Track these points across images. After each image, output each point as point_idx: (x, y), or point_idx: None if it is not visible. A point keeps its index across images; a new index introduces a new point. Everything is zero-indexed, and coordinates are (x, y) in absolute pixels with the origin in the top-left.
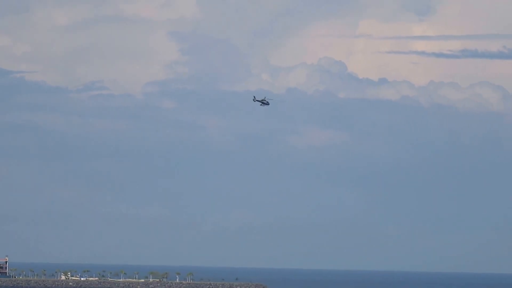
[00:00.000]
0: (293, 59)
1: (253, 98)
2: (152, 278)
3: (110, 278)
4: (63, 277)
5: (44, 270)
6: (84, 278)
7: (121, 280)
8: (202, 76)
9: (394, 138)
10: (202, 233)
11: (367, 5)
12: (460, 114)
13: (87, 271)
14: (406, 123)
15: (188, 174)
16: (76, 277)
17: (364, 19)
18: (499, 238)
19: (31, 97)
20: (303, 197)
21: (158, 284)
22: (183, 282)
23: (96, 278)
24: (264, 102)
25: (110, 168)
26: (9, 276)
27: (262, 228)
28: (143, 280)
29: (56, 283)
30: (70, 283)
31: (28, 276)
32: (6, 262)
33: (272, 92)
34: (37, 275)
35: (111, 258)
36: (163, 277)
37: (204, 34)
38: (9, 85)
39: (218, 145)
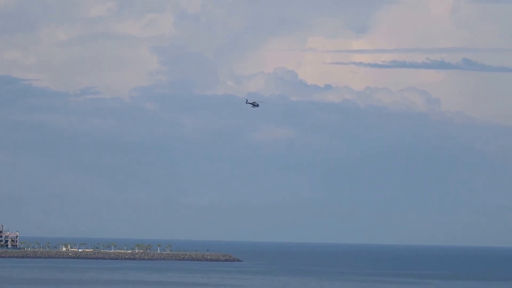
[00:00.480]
0: (253, 69)
1: (245, 101)
2: (138, 249)
3: (103, 249)
4: (64, 249)
5: (48, 243)
6: (82, 250)
7: (112, 251)
8: (178, 83)
9: (337, 133)
10: (179, 211)
11: (314, 25)
12: (391, 114)
13: (84, 243)
14: (347, 121)
15: (166, 163)
16: (74, 248)
17: (312, 36)
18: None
19: (38, 100)
20: (261, 181)
21: (143, 254)
22: (163, 252)
23: (91, 250)
24: (254, 104)
25: (103, 158)
26: (20, 248)
27: (229, 207)
28: (130, 251)
29: (58, 253)
30: (70, 253)
31: (35, 248)
32: (17, 236)
33: (235, 96)
34: (42, 247)
35: (104, 232)
36: (147, 249)
37: (180, 48)
38: (19, 90)
39: (192, 139)
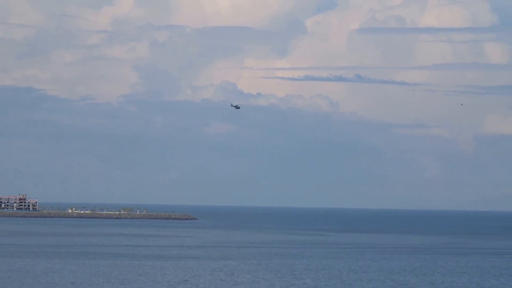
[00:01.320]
0: (205, 81)
1: (230, 104)
2: (123, 211)
3: (98, 211)
4: (70, 211)
5: (59, 207)
6: (83, 211)
7: (104, 212)
8: (152, 92)
9: (265, 128)
10: (154, 184)
11: (249, 50)
12: (305, 114)
13: (84, 207)
14: (274, 119)
15: (144, 149)
16: (78, 210)
17: (247, 58)
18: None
19: (50, 104)
20: (212, 162)
21: (127, 215)
22: (141, 213)
23: (90, 211)
24: (237, 107)
25: (98, 146)
26: (38, 211)
27: (190, 180)
28: (117, 212)
29: (66, 214)
30: (74, 214)
31: (49, 210)
32: (36, 202)
33: (192, 101)
34: (54, 210)
35: (99, 199)
36: (130, 211)
37: (152, 67)
38: (37, 97)
39: (162, 132)
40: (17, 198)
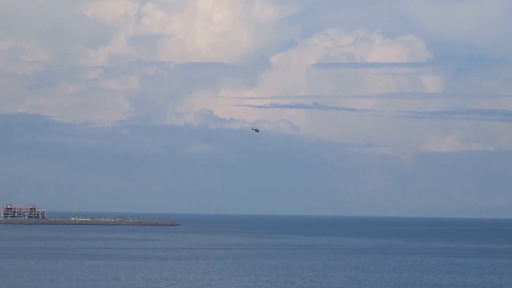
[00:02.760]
0: (187, 109)
1: (251, 128)
2: (118, 219)
3: (96, 218)
4: (73, 219)
5: (64, 215)
6: (84, 219)
7: (102, 219)
8: (141, 118)
9: (237, 147)
10: (143, 195)
11: (223, 82)
12: (270, 136)
13: (85, 215)
14: (245, 141)
15: (136, 166)
16: (80, 218)
17: (222, 89)
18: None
19: (56, 128)
20: (194, 176)
21: (121, 222)
22: (133, 220)
23: (90, 219)
24: (256, 130)
25: (97, 163)
26: (46, 219)
27: (175, 193)
28: (113, 219)
29: (69, 221)
30: (77, 221)
31: (56, 218)
32: (44, 211)
33: (176, 125)
34: (59, 217)
35: (97, 208)
36: (124, 218)
37: (142, 97)
38: (45, 123)
39: (150, 152)
40: (28, 208)
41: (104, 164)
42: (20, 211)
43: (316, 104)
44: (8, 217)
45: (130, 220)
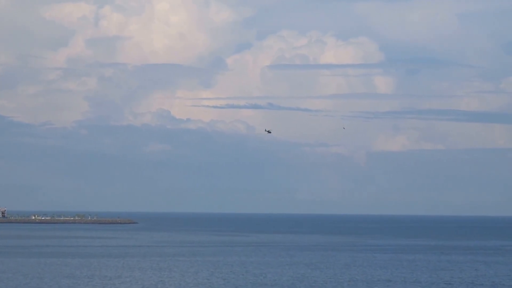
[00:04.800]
0: (144, 109)
1: (264, 129)
2: (77, 217)
3: (56, 217)
4: (33, 217)
5: (24, 214)
6: (44, 218)
7: (62, 218)
8: (100, 118)
9: (194, 147)
10: (102, 194)
11: (180, 83)
12: (226, 135)
13: (45, 214)
14: (201, 140)
15: (94, 165)
16: (40, 217)
17: (179, 90)
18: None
19: (16, 129)
20: (151, 176)
21: (80, 220)
22: (92, 219)
23: (50, 217)
24: (269, 132)
25: (54, 162)
26: (6, 217)
27: (133, 191)
28: (72, 218)
29: (30, 220)
30: (37, 220)
31: (16, 217)
32: (5, 210)
33: (134, 125)
34: (20, 216)
35: (57, 207)
36: (82, 217)
37: (101, 97)
38: (5, 123)
39: (109, 152)
40: None
41: (63, 163)
42: None
43: (271, 105)
44: None
45: (89, 218)
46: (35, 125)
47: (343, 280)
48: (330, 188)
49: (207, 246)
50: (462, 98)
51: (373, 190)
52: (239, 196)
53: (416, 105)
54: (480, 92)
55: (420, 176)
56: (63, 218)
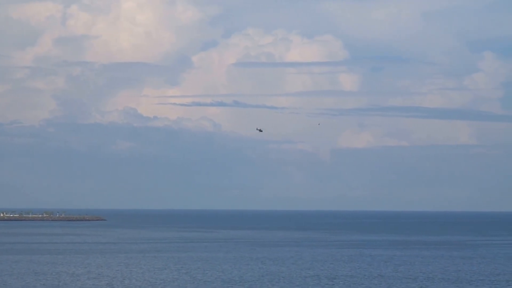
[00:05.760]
0: (111, 107)
1: (256, 128)
2: (45, 214)
3: (25, 214)
4: (1, 214)
5: None
6: (12, 215)
7: (30, 215)
8: (67, 116)
9: (162, 145)
10: (70, 191)
11: (147, 81)
12: (193, 133)
13: (14, 211)
14: (168, 138)
15: (62, 164)
16: (8, 214)
17: (146, 88)
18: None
19: None
20: (118, 173)
21: (48, 217)
22: (60, 216)
23: (18, 215)
24: (260, 130)
25: (24, 161)
26: None
27: (101, 189)
28: (41, 215)
29: None
30: (5, 217)
31: None
32: None
33: (101, 123)
34: None
35: (25, 204)
36: (51, 214)
37: (68, 96)
38: None
39: (76, 150)
40: None
41: (32, 161)
42: None
43: (237, 102)
44: None
45: (57, 215)
46: (3, 123)
47: (308, 275)
48: (295, 185)
49: (174, 243)
50: (425, 95)
51: (337, 186)
52: (205, 193)
53: (380, 102)
54: (443, 89)
55: (384, 172)
56: (31, 215)
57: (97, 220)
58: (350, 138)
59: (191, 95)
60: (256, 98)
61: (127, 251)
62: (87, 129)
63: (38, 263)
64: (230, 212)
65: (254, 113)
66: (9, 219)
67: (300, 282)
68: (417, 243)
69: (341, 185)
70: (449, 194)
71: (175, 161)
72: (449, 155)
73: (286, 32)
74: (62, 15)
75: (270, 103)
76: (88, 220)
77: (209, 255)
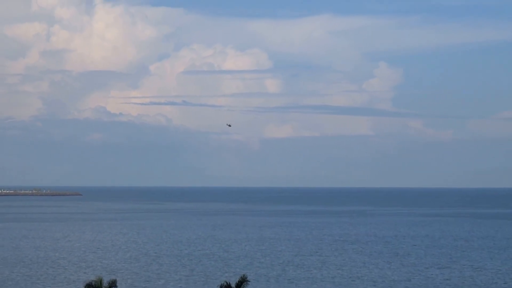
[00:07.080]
0: (86, 106)
1: (226, 124)
2: (35, 191)
3: (17, 191)
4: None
5: None
6: (7, 191)
7: (22, 192)
8: (51, 114)
9: (126, 136)
10: (53, 173)
11: (113, 85)
12: (150, 127)
13: (9, 188)
14: (131, 131)
15: (48, 151)
16: (4, 191)
17: (112, 90)
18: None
19: None
20: (91, 158)
21: (37, 193)
22: (46, 192)
23: (12, 191)
24: (229, 125)
25: (17, 149)
26: None
27: (79, 170)
28: (31, 192)
29: None
30: (2, 193)
31: None
32: None
33: (78, 119)
34: None
35: (19, 182)
36: (39, 190)
37: (51, 97)
38: None
39: (58, 140)
40: None
41: (23, 149)
42: None
43: (185, 102)
44: None
45: (44, 192)
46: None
47: (241, 238)
48: (232, 167)
49: (136, 212)
50: (332, 96)
51: (265, 168)
52: (160, 173)
53: (298, 101)
54: (346, 91)
55: (301, 157)
56: (23, 191)
57: (75, 195)
58: (274, 130)
59: (149, 96)
60: (200, 98)
61: (98, 220)
62: (67, 124)
63: (27, 229)
64: (180, 188)
65: (198, 111)
66: (6, 195)
67: (232, 243)
68: (325, 212)
69: (268, 167)
70: (354, 173)
71: (137, 148)
72: (351, 143)
73: (223, 46)
74: (46, 33)
75: (211, 102)
76: (68, 195)
77: (163, 222)
